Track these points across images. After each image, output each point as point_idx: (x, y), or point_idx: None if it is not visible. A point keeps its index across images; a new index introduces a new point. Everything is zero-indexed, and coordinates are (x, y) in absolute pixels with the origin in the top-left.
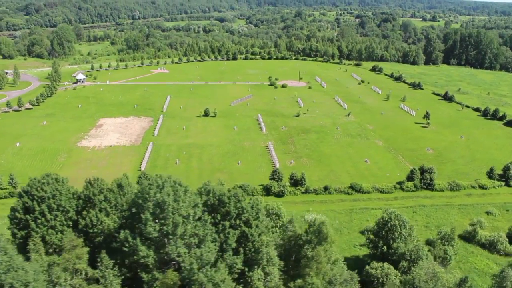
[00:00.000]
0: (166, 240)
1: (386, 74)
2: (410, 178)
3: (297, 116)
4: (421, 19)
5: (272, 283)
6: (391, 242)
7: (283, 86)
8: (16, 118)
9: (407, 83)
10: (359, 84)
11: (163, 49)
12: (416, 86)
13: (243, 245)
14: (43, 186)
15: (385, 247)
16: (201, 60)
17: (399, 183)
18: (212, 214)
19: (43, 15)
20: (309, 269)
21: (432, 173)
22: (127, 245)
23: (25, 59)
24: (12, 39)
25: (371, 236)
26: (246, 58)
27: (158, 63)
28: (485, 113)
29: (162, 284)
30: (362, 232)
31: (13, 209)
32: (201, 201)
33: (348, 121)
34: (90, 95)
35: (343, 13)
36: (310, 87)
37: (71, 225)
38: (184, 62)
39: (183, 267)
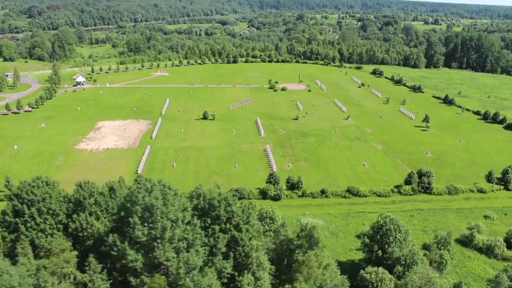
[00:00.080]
0: (155, 244)
1: (386, 77)
2: (408, 181)
3: (296, 119)
4: (423, 23)
5: None
6: (386, 246)
7: (283, 89)
8: (15, 121)
9: (407, 86)
10: (359, 87)
11: (164, 52)
12: (416, 89)
13: (233, 250)
14: (33, 189)
15: (380, 251)
16: (202, 63)
17: (397, 186)
18: (203, 218)
19: (45, 17)
20: (300, 274)
21: (430, 176)
22: (115, 249)
23: (26, 62)
24: (15, 42)
25: (366, 240)
26: (246, 61)
27: (158, 65)
28: (485, 117)
29: None
30: (358, 236)
31: (3, 212)
32: (191, 205)
33: (347, 124)
34: (89, 98)
35: (345, 16)
36: (309, 90)
37: (61, 228)
38: (184, 65)
39: (170, 272)
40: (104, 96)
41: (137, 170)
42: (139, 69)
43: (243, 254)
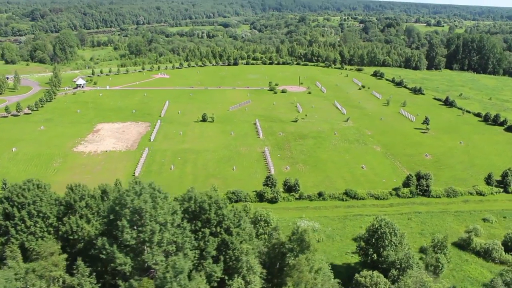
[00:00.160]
0: (144, 247)
1: (387, 79)
2: (406, 184)
3: (295, 121)
4: (425, 24)
5: None
6: (381, 250)
7: (283, 91)
8: (14, 123)
9: (408, 88)
10: (360, 89)
11: (165, 54)
12: (417, 91)
13: (223, 253)
14: (24, 192)
15: (375, 255)
16: (202, 65)
17: (395, 189)
18: (193, 221)
19: (48, 20)
20: (290, 278)
21: (428, 179)
22: (104, 252)
23: (27, 64)
24: (17, 45)
25: (362, 244)
26: (247, 63)
27: (159, 68)
28: (486, 118)
29: None
30: (355, 239)
31: None
32: (182, 208)
33: (347, 127)
34: (89, 100)
35: (347, 18)
36: (310, 92)
37: (52, 231)
38: (185, 67)
39: (157, 276)
40: (103, 98)
41: (134, 173)
42: (139, 71)
43: (233, 257)
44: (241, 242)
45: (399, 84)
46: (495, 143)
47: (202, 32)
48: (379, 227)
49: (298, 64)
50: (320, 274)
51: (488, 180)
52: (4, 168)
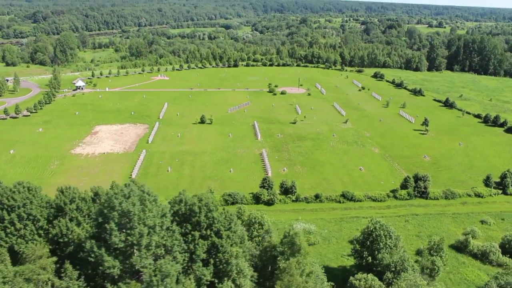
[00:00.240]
0: (133, 250)
1: (387, 81)
2: (404, 186)
3: (294, 123)
4: (427, 26)
5: None
6: (376, 252)
7: (282, 93)
8: (12, 125)
9: (408, 90)
10: (360, 90)
11: (166, 56)
12: (417, 92)
13: (213, 256)
14: (14, 195)
15: (370, 257)
16: (202, 67)
17: (393, 191)
18: (183, 224)
19: (50, 22)
20: (281, 281)
21: (426, 181)
22: (92, 255)
23: (28, 66)
24: (19, 47)
25: (357, 246)
26: (247, 65)
27: (159, 70)
28: (485, 120)
29: None
30: (351, 242)
31: None
32: (172, 211)
33: (345, 128)
34: (88, 102)
35: (349, 19)
36: (309, 94)
37: (42, 234)
38: (185, 69)
39: (143, 279)
40: (103, 100)
41: (131, 175)
42: (139, 73)
43: (223, 260)
44: (231, 245)
45: (399, 85)
46: (495, 144)
47: (204, 34)
48: (374, 230)
49: (298, 65)
50: (312, 278)
51: (486, 182)
52: (1, 171)
